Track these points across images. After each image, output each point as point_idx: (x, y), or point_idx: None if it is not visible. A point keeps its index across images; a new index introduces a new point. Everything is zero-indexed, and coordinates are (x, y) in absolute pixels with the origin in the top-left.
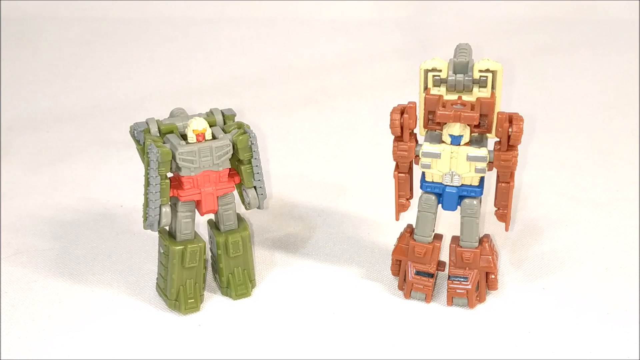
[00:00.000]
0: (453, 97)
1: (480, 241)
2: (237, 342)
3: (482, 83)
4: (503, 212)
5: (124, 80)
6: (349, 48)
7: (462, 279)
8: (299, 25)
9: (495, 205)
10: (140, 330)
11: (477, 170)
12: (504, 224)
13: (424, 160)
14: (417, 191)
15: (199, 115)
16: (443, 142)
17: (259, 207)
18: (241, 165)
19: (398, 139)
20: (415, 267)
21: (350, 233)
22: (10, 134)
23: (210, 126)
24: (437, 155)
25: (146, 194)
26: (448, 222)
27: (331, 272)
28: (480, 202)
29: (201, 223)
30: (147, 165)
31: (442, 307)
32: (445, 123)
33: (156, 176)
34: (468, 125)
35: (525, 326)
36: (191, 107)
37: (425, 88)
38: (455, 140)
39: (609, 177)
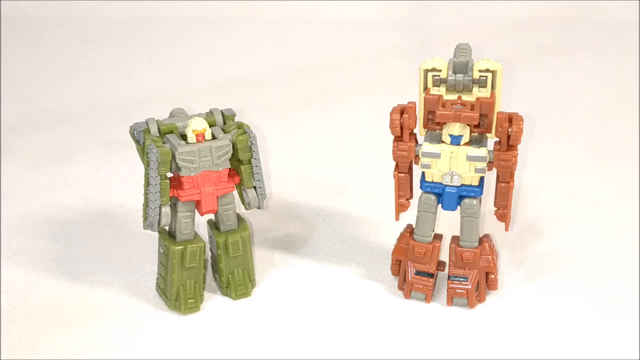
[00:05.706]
0: (453, 97)
1: (480, 241)
2: (237, 342)
3: (482, 83)
4: (503, 212)
5: (124, 80)
6: (349, 48)
7: (462, 279)
8: (299, 25)
9: (495, 205)
10: (140, 330)
11: (476, 170)
12: (504, 224)
13: (423, 160)
14: (417, 191)
15: (199, 115)
16: (443, 142)
17: (259, 207)
18: (241, 165)
19: (398, 139)
20: (415, 267)
21: (350, 233)
22: (10, 134)
23: (210, 126)
24: (437, 155)
25: (146, 194)
26: (448, 222)
27: (331, 272)
28: (480, 202)
29: (201, 223)
30: (147, 165)
31: (442, 307)
32: (445, 123)
33: (156, 176)
34: (468, 125)
35: (525, 326)
36: (191, 107)
37: (425, 88)
38: (455, 140)
39: (609, 177)
